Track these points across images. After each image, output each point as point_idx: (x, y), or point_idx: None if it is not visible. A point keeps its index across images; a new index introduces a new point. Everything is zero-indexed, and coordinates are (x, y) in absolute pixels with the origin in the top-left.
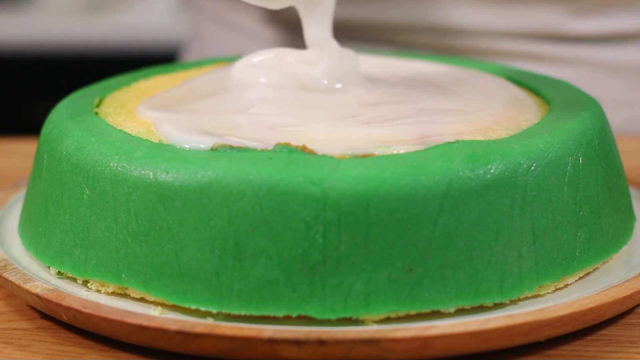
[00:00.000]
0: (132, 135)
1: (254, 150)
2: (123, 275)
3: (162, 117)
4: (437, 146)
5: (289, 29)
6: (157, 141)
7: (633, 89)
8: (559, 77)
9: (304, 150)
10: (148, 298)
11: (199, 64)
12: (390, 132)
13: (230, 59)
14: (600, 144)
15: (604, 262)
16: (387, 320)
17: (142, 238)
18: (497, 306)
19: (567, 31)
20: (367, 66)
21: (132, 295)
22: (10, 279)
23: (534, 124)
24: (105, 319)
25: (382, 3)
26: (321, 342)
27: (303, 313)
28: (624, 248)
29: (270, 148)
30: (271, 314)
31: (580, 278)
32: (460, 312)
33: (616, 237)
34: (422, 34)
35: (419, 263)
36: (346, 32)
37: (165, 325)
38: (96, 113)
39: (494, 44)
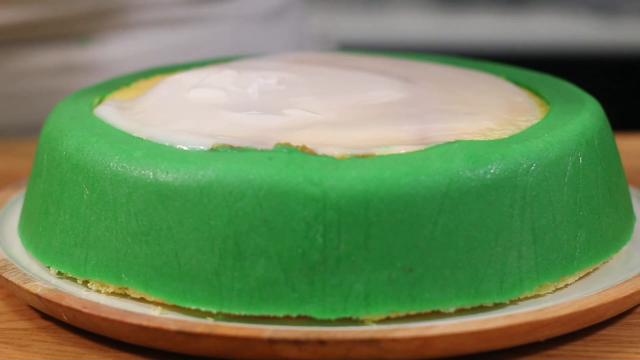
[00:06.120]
0: (132, 135)
1: (254, 150)
2: (123, 275)
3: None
4: (437, 146)
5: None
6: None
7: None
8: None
9: (304, 150)
10: (148, 298)
11: (199, 64)
12: (390, 132)
13: (228, 59)
14: (600, 144)
15: (604, 262)
16: (387, 320)
17: (142, 238)
18: (497, 306)
19: None
20: (366, 66)
21: (132, 295)
22: (10, 279)
23: (534, 124)
24: (105, 319)
25: None
26: (321, 342)
27: (303, 313)
28: (624, 248)
29: (270, 148)
30: (271, 314)
31: (580, 278)
32: (460, 312)
33: (616, 237)
34: None
35: (419, 263)
36: None
37: (165, 325)
38: None
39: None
